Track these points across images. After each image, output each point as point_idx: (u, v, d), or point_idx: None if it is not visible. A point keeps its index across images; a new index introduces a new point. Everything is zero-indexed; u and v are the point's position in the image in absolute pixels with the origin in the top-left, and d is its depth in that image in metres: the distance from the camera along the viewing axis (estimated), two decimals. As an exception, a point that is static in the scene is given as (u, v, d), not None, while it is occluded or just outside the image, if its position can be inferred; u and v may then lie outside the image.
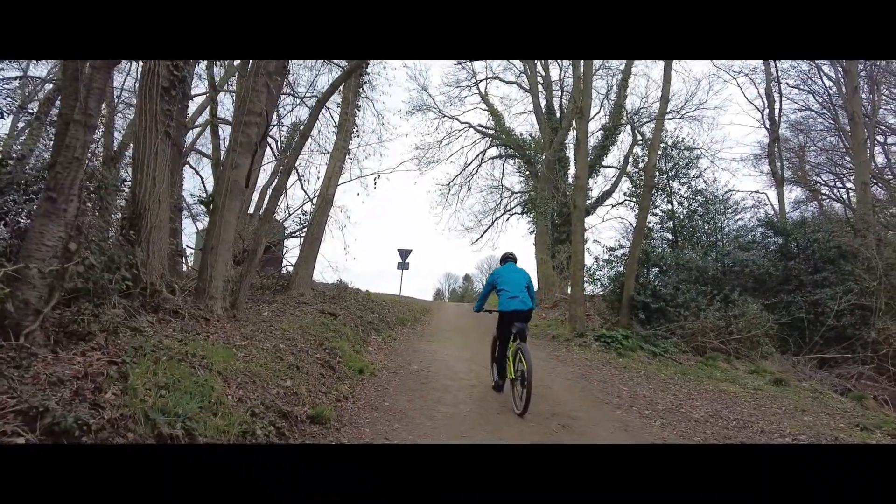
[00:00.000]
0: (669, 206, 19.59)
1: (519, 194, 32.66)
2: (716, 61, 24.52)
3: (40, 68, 15.93)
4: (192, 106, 18.80)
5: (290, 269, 17.80)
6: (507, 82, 32.26)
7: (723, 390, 10.79)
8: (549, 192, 27.15)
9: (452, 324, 18.86)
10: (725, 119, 47.19)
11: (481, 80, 32.15)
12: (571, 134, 27.58)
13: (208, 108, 21.11)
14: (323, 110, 16.17)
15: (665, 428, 7.74)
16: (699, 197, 19.64)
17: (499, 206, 33.03)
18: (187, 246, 17.02)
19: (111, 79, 16.33)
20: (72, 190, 5.34)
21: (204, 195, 19.81)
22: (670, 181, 19.68)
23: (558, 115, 29.50)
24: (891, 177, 23.99)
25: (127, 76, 17.05)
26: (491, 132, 32.37)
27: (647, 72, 28.09)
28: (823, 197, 25.99)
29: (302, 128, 14.95)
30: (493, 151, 32.95)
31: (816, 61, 22.49)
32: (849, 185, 24.58)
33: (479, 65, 31.35)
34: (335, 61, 17.73)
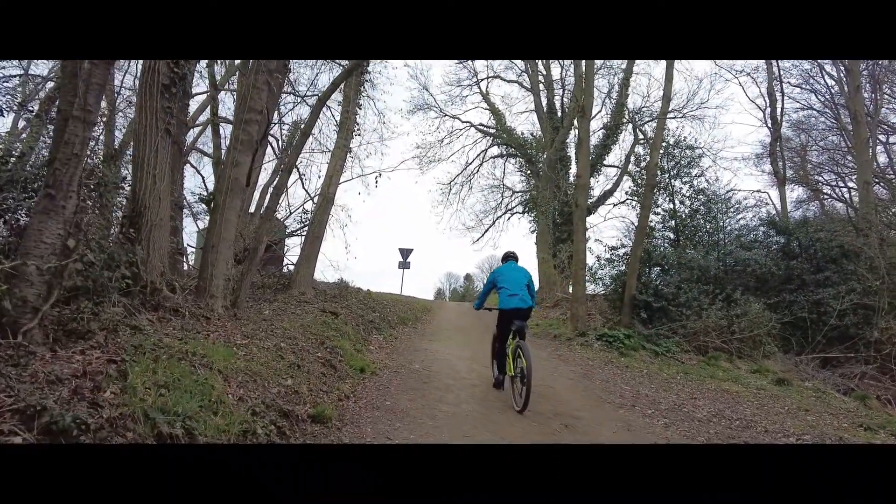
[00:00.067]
0: (671, 206, 19.54)
1: (520, 193, 32.61)
2: (717, 61, 24.45)
3: (41, 67, 15.95)
4: (193, 105, 18.82)
5: (291, 267, 17.79)
6: (509, 81, 32.21)
7: (725, 390, 10.77)
8: (551, 191, 27.09)
9: (453, 323, 18.85)
10: (727, 118, 47.29)
11: (482, 80, 32.14)
12: (573, 133, 27.53)
13: (209, 107, 21.10)
14: (324, 109, 16.15)
15: (668, 428, 7.71)
16: (701, 196, 19.58)
17: (500, 205, 33.00)
18: (188, 244, 17.02)
19: (111, 75, 16.33)
20: (71, 187, 5.29)
21: (205, 194, 19.80)
22: (672, 180, 19.64)
23: (559, 114, 29.42)
24: (893, 176, 23.97)
25: (126, 73, 17.02)
26: (492, 131, 32.31)
27: (649, 70, 28.06)
28: (825, 196, 25.95)
29: (303, 126, 14.93)
30: (495, 150, 32.95)
31: (818, 61, 22.46)
32: (851, 184, 24.56)
33: (480, 64, 31.33)
34: (336, 60, 17.70)
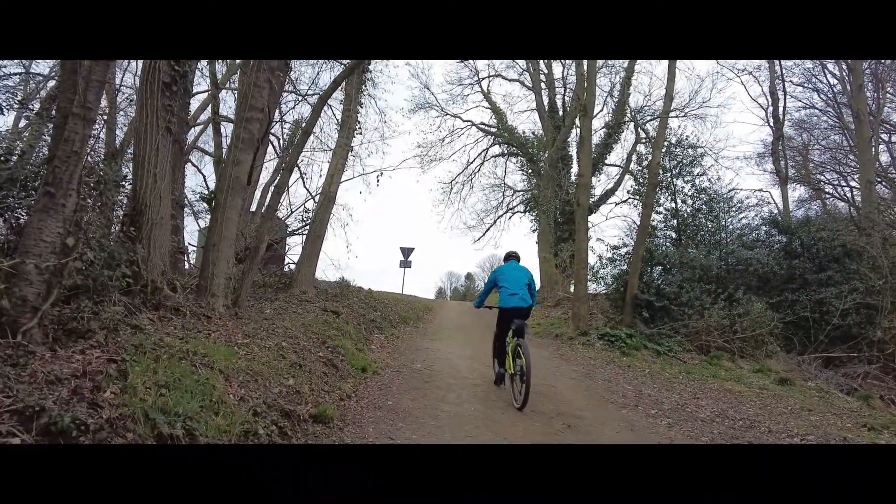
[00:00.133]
0: (673, 205, 19.51)
1: (521, 192, 32.61)
2: (720, 60, 24.42)
3: (42, 65, 15.92)
4: (195, 103, 18.81)
5: (293, 266, 17.76)
6: (510, 80, 32.17)
7: (728, 389, 10.73)
8: (552, 190, 27.06)
9: (454, 322, 18.82)
10: (729, 117, 47.18)
11: (484, 78, 32.09)
12: (574, 132, 27.49)
13: (210, 106, 21.08)
14: (325, 107, 16.12)
15: (672, 428, 7.67)
16: (703, 195, 19.54)
17: (501, 204, 33.03)
18: (189, 243, 17.00)
19: (112, 72, 16.29)
20: (70, 185, 5.25)
21: (206, 192, 19.79)
22: (674, 179, 19.61)
23: (561, 112, 29.36)
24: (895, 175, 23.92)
25: (126, 71, 17.01)
26: (493, 130, 32.30)
27: (651, 69, 28.03)
28: (827, 196, 25.91)
29: (304, 125, 14.90)
30: (496, 149, 32.94)
31: (821, 60, 22.41)
32: (853, 183, 24.54)
33: (481, 63, 31.26)
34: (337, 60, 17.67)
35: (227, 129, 20.18)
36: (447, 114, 32.08)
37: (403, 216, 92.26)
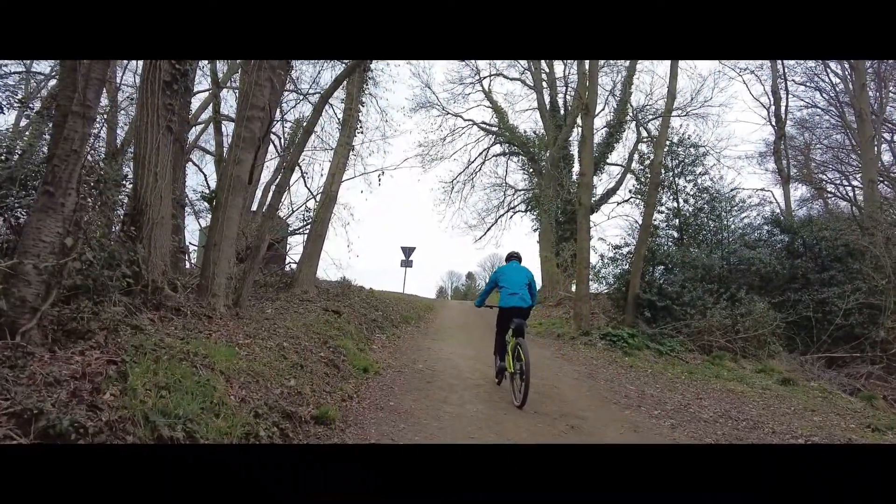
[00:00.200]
0: (675, 204, 19.45)
1: (522, 192, 32.58)
2: (722, 60, 24.37)
3: (43, 64, 15.89)
4: (196, 102, 18.76)
5: (294, 266, 17.73)
6: (511, 79, 32.05)
7: (730, 390, 10.71)
8: (554, 189, 27.03)
9: (456, 321, 18.79)
10: (731, 116, 47.12)
11: (485, 77, 31.96)
12: (576, 131, 27.45)
13: (211, 105, 21.05)
14: (326, 106, 16.06)
15: (675, 429, 7.63)
16: (705, 194, 19.49)
17: (502, 203, 32.99)
18: (190, 243, 16.96)
19: (114, 70, 16.26)
20: (70, 184, 5.20)
21: (207, 191, 19.76)
22: (676, 178, 19.55)
23: (562, 111, 29.32)
24: (898, 174, 23.86)
25: (126, 70, 16.98)
26: (494, 129, 32.24)
27: (653, 68, 27.89)
28: (829, 195, 25.84)
29: (305, 124, 14.87)
30: (497, 149, 32.88)
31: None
32: (855, 182, 24.49)
33: (482, 62, 31.17)
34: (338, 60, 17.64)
35: (228, 128, 20.12)
36: (448, 113, 32.02)
37: (404, 215, 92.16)
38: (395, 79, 50.64)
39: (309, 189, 22.08)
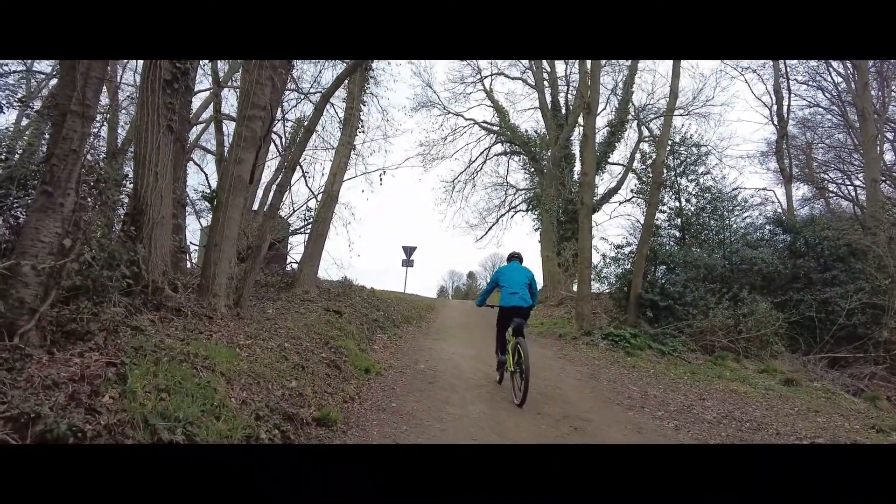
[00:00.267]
0: (677, 204, 19.37)
1: (524, 191, 32.60)
2: (724, 60, 24.32)
3: (44, 63, 15.86)
4: (197, 101, 18.73)
5: (295, 266, 17.68)
6: (513, 78, 32.05)
7: (733, 390, 10.67)
8: (555, 188, 27.00)
9: (457, 321, 18.76)
10: (733, 116, 46.95)
11: (486, 77, 31.92)
12: (577, 130, 27.43)
13: (212, 104, 21.02)
14: (328, 105, 16.01)
15: (679, 430, 7.59)
16: (707, 194, 19.41)
17: (503, 203, 33.03)
18: (191, 242, 16.92)
19: (114, 69, 16.23)
20: (69, 184, 5.14)
21: (208, 191, 19.72)
22: (678, 178, 19.48)
23: (564, 111, 29.30)
24: (901, 174, 23.80)
25: (125, 69, 16.95)
26: (496, 129, 32.23)
27: (654, 67, 27.82)
28: (831, 194, 25.78)
29: (307, 123, 14.82)
30: (498, 148, 32.91)
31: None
32: (857, 182, 24.43)
33: (483, 61, 31.18)
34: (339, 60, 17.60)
35: (229, 127, 20.13)
36: (449, 112, 32.01)
37: (406, 215, 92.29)
38: (397, 78, 50.49)
39: (310, 188, 22.07)
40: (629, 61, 26.69)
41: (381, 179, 22.86)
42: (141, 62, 10.13)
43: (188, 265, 13.76)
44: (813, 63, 23.61)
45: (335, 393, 7.45)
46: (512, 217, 33.10)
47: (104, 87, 16.86)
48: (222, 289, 8.92)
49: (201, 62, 15.58)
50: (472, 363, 10.97)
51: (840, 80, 23.54)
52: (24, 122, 13.61)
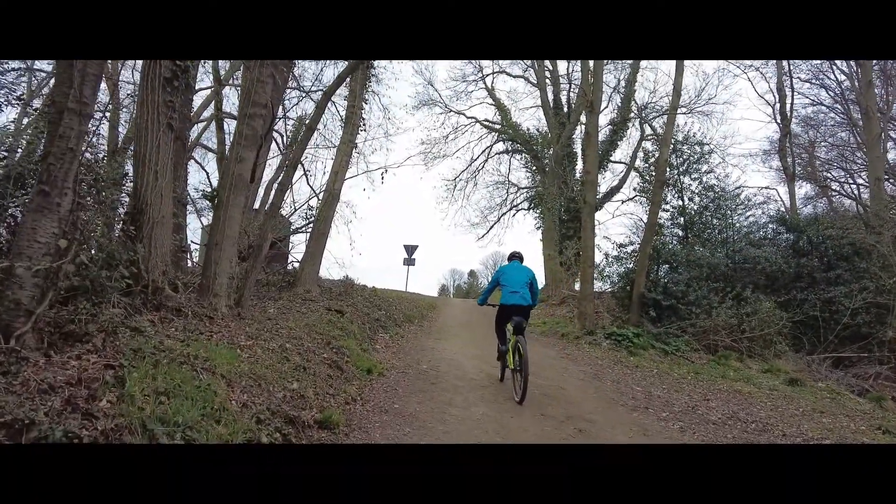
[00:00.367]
0: (680, 202, 19.32)
1: (526, 190, 32.54)
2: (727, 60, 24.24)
3: (45, 62, 15.78)
4: (198, 100, 18.69)
5: (296, 265, 17.62)
6: (515, 76, 32.00)
7: (737, 390, 10.62)
8: (557, 187, 26.94)
9: (458, 319, 18.74)
10: (735, 114, 46.87)
11: (488, 75, 31.85)
12: (579, 128, 27.36)
13: (213, 102, 20.98)
14: (329, 104, 15.96)
15: (684, 432, 7.53)
16: (710, 193, 19.35)
17: (505, 201, 33.01)
18: (192, 241, 16.87)
19: (115, 67, 16.16)
20: (66, 183, 5.06)
21: (209, 190, 19.67)
22: (681, 176, 19.41)
23: (566, 109, 29.22)
24: (905, 172, 23.71)
25: (123, 66, 16.87)
26: (497, 127, 32.17)
27: (657, 64, 27.72)
28: (833, 193, 25.71)
29: (308, 121, 14.77)
30: (500, 146, 32.86)
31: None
32: (860, 180, 24.37)
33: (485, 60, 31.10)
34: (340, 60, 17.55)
35: (230, 125, 20.09)
36: (451, 110, 31.92)
37: (407, 213, 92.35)
38: (398, 76, 50.67)
39: (311, 187, 21.96)
40: (632, 60, 26.62)
41: (382, 178, 22.79)
42: (141, 61, 10.06)
43: (189, 264, 13.71)
44: (816, 61, 23.57)
45: (337, 394, 7.37)
46: (514, 216, 33.13)
47: (105, 85, 16.84)
48: (223, 288, 8.85)
49: (202, 61, 15.53)
50: (475, 363, 10.91)
51: (843, 78, 23.55)
52: (25, 120, 13.60)
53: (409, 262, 28.04)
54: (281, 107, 17.48)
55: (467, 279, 66.49)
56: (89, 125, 5.70)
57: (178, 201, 10.58)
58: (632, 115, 27.83)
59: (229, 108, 20.98)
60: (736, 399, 9.89)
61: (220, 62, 19.75)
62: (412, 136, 59.31)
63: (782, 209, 22.60)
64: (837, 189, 25.84)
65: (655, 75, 41.13)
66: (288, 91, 18.43)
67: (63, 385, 4.08)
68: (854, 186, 25.15)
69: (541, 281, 12.93)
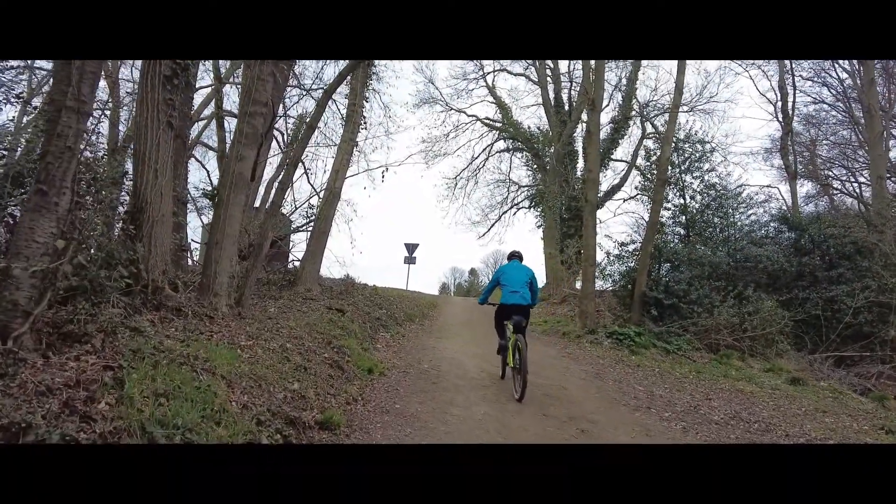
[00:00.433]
0: (682, 201, 19.27)
1: (526, 188, 32.54)
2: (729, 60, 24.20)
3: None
4: (198, 98, 18.66)
5: (297, 264, 17.59)
6: (515, 75, 31.96)
7: (740, 390, 10.58)
8: (558, 185, 26.89)
9: (460, 318, 18.70)
10: (737, 112, 46.70)
11: (489, 73, 31.83)
12: (580, 127, 27.31)
13: (214, 100, 20.94)
14: (330, 102, 15.92)
15: (687, 432, 7.49)
16: (712, 191, 19.30)
17: (506, 200, 33.01)
18: (192, 240, 16.83)
19: (115, 65, 16.12)
20: (64, 182, 5.00)
21: (209, 188, 19.64)
22: (683, 175, 19.36)
23: (567, 107, 29.17)
24: (907, 171, 23.66)
25: (122, 64, 16.85)
26: (498, 125, 32.17)
27: (658, 63, 27.68)
28: (835, 191, 25.67)
29: (309, 119, 14.73)
30: (501, 145, 32.87)
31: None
32: (861, 179, 24.33)
33: (486, 58, 31.03)
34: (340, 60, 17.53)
35: (230, 124, 20.05)
36: (452, 109, 31.91)
37: (408, 212, 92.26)
38: (399, 74, 50.56)
39: (312, 186, 21.98)
40: (632, 58, 26.57)
41: (383, 176, 22.80)
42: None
43: (189, 263, 13.67)
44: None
45: (338, 394, 7.34)
46: (514, 214, 33.14)
47: (104, 83, 16.81)
48: (223, 288, 8.82)
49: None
50: (476, 362, 10.87)
51: (845, 76, 23.51)
52: (26, 119, 13.56)
53: (410, 260, 28.00)
54: (281, 105, 17.46)
55: (468, 277, 66.44)
56: (88, 123, 5.64)
57: (178, 200, 10.54)
58: (633, 113, 27.77)
59: (230, 106, 20.96)
60: (738, 399, 9.85)
61: (221, 60, 19.70)
62: (413, 134, 59.40)
63: (784, 208, 22.60)
64: (839, 187, 25.84)
65: (657, 73, 41.31)
66: (288, 89, 18.43)
67: (61, 387, 4.03)
68: (856, 185, 25.17)
69: (542, 280, 12.91)
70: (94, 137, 7.68)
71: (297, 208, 20.06)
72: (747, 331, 14.69)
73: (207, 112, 21.48)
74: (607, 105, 27.69)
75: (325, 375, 7.78)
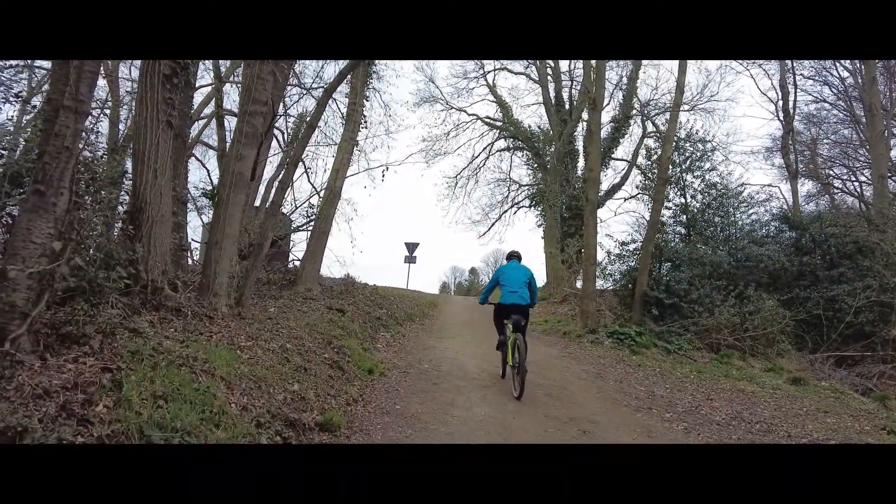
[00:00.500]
0: (683, 200, 19.23)
1: (527, 187, 32.51)
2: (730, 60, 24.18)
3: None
4: (198, 97, 18.64)
5: (297, 263, 17.57)
6: (516, 73, 31.93)
7: (741, 390, 10.56)
8: (559, 184, 26.86)
9: (460, 317, 18.69)
10: (738, 111, 46.64)
11: (489, 72, 31.80)
12: (581, 126, 27.28)
13: (214, 100, 20.91)
14: (330, 101, 15.90)
15: (689, 433, 7.47)
16: (713, 190, 19.26)
17: (506, 199, 33.00)
18: (192, 240, 16.81)
19: (115, 64, 16.08)
20: (62, 182, 4.96)
21: (210, 188, 19.62)
22: (683, 174, 19.32)
23: (568, 106, 29.14)
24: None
25: (121, 63, 16.82)
26: (499, 124, 32.15)
27: (659, 62, 27.67)
28: (836, 190, 25.63)
29: (309, 118, 14.71)
30: (501, 144, 32.85)
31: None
32: (862, 178, 24.30)
33: (486, 57, 30.98)
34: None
35: (230, 123, 20.04)
36: (452, 108, 31.92)
37: (408, 211, 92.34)
38: (399, 73, 50.48)
39: (312, 185, 21.99)
40: (633, 57, 26.54)
41: (383, 175, 22.76)
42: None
43: (189, 262, 13.65)
44: (819, 58, 23.49)
45: (338, 395, 7.31)
46: (515, 213, 33.14)
47: (104, 82, 16.78)
48: (223, 288, 8.78)
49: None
50: (477, 362, 10.85)
51: (847, 75, 23.50)
52: (26, 118, 13.54)
53: (410, 259, 27.96)
54: (282, 104, 17.41)
55: (468, 277, 66.46)
56: (86, 123, 5.59)
57: (177, 199, 10.51)
58: (634, 112, 27.75)
59: (230, 106, 20.93)
60: (739, 399, 9.83)
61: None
62: (413, 133, 59.31)
63: (785, 207, 22.57)
64: (840, 186, 25.83)
65: (658, 72, 41.13)
66: (289, 88, 18.38)
67: (58, 389, 3.99)
68: (857, 184, 25.18)
69: (542, 279, 12.87)
70: (93, 137, 7.67)
71: (297, 208, 20.07)
72: (748, 330, 14.67)
73: (207, 111, 21.49)
74: (608, 104, 27.69)
75: (326, 376, 7.75)
